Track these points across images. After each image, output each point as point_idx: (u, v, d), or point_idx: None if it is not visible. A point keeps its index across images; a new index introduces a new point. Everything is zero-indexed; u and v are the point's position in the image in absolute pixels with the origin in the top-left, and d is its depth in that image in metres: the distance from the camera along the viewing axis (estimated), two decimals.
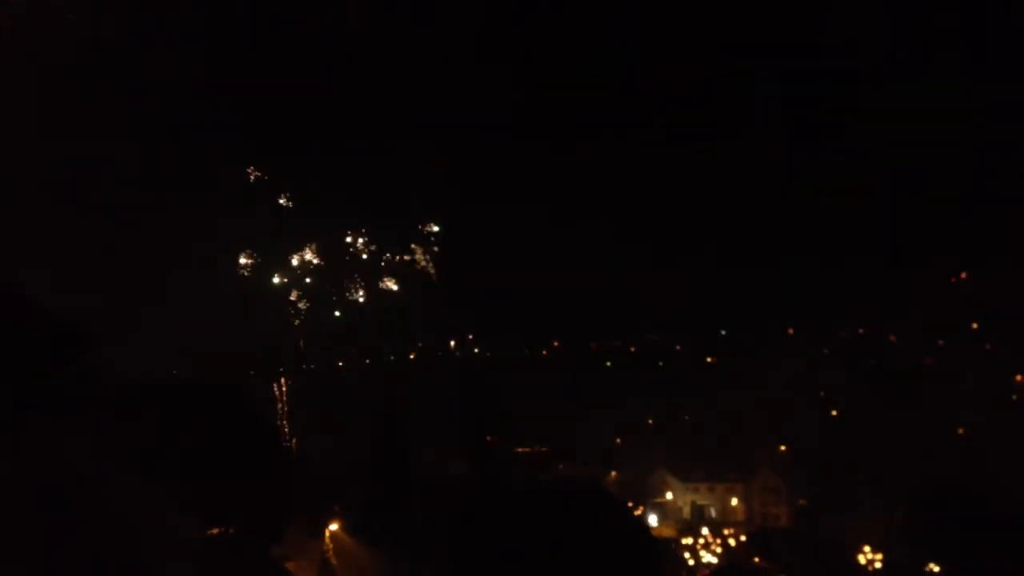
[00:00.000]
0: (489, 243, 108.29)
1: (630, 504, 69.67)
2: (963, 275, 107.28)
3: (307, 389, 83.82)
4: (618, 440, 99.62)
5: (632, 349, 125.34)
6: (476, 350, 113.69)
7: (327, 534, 48.67)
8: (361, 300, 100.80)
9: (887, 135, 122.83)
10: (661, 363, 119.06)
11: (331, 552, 48.10)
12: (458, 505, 46.08)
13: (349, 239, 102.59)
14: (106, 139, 77.28)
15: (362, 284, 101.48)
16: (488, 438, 56.39)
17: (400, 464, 51.30)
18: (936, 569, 58.03)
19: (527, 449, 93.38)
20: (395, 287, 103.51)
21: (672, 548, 73.31)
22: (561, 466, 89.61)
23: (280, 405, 78.73)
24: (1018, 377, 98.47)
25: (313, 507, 47.27)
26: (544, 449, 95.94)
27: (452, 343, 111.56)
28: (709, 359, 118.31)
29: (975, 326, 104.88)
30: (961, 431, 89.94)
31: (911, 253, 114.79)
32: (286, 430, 74.66)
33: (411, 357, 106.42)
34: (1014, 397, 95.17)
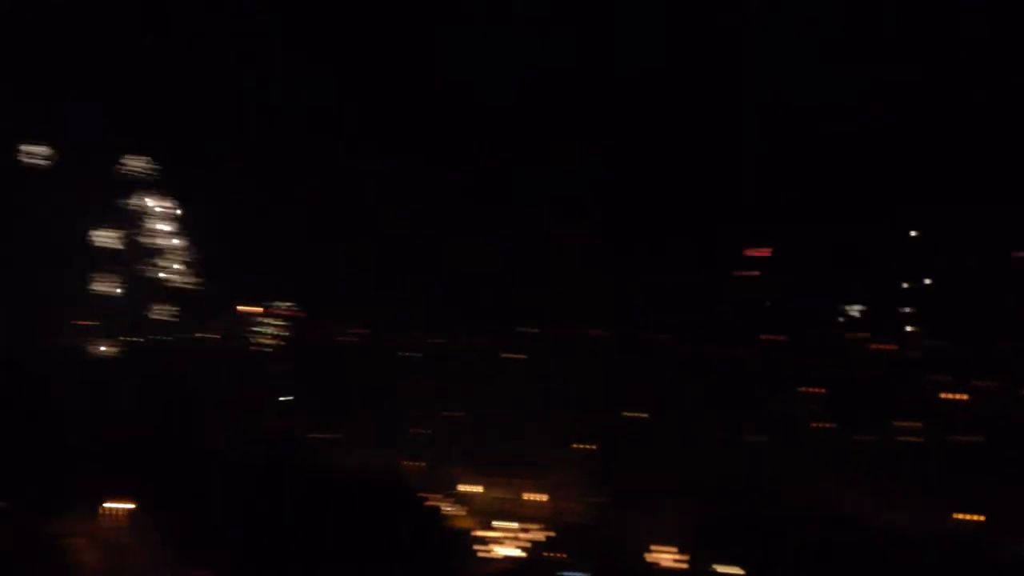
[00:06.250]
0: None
1: (426, 494, 68.43)
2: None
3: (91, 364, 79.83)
4: (420, 431, 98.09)
5: (431, 342, 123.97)
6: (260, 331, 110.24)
7: (108, 512, 48.05)
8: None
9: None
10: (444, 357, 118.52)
11: (111, 530, 47.50)
12: (244, 488, 43.94)
13: None
14: None
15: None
16: (278, 423, 53.91)
17: (185, 444, 48.67)
18: (723, 570, 59.29)
19: (322, 435, 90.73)
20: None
21: (467, 539, 72.56)
22: (358, 453, 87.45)
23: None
24: (805, 388, 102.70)
25: (94, 484, 47.15)
26: (339, 436, 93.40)
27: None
28: (507, 355, 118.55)
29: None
30: (748, 437, 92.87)
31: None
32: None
33: (195, 337, 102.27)
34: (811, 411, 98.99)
